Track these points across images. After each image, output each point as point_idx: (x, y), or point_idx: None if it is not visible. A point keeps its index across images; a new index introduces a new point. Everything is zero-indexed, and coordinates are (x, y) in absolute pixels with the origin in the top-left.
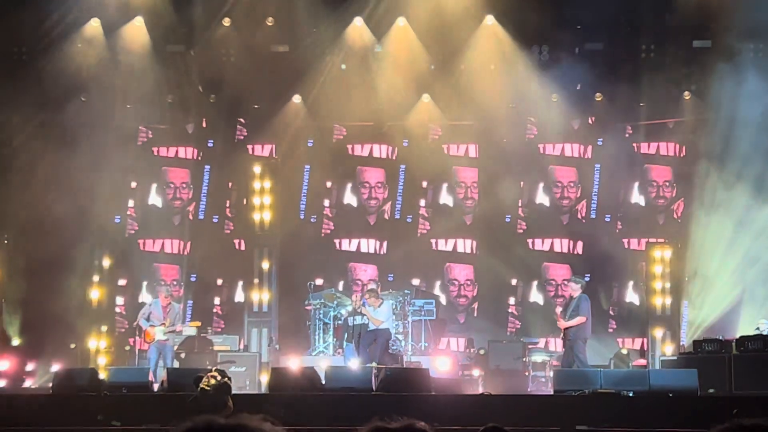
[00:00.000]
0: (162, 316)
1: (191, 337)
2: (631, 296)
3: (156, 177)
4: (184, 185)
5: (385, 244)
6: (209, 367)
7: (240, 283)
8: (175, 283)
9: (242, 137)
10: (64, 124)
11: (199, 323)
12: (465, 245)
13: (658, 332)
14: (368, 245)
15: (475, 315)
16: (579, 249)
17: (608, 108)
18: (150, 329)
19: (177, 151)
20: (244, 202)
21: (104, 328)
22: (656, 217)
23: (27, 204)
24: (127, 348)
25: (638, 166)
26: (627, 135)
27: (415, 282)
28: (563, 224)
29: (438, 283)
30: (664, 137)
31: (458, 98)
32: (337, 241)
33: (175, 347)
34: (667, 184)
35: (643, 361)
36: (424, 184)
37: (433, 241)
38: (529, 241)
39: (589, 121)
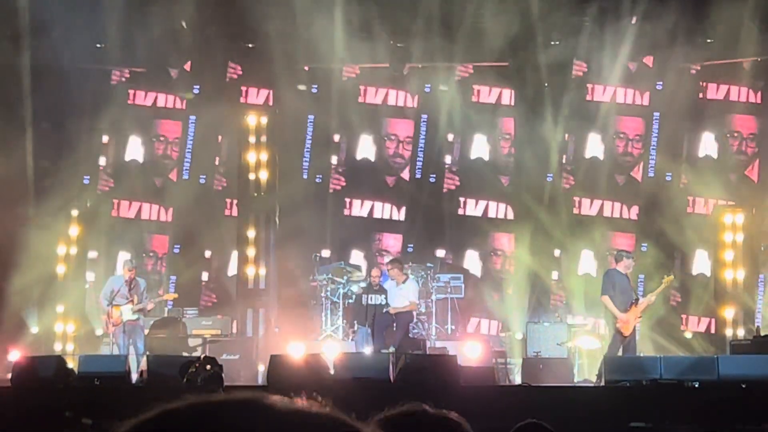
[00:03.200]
0: (127, 293)
1: (164, 318)
2: (697, 269)
3: (134, 129)
4: (177, 140)
5: (403, 208)
6: (197, 355)
7: (232, 255)
8: (165, 255)
9: (234, 82)
10: (21, 64)
11: (175, 295)
12: (498, 208)
13: (728, 311)
14: (382, 210)
15: (510, 292)
16: (633, 213)
17: (669, 46)
18: (115, 309)
19: (156, 98)
20: (237, 155)
21: (73, 308)
22: (728, 176)
23: None
24: (99, 332)
25: (708, 114)
26: (692, 77)
27: (440, 254)
28: (618, 184)
29: (467, 253)
30: (737, 80)
31: (488, 34)
32: (347, 205)
33: (146, 331)
34: (751, 136)
35: None
36: (450, 137)
37: (461, 203)
38: (576, 202)
39: (647, 62)
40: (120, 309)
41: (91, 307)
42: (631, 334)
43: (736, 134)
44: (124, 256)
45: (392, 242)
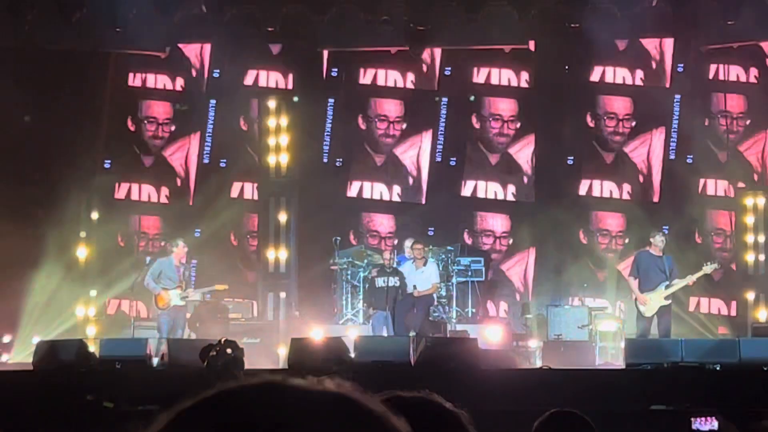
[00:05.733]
0: (176, 277)
1: (202, 303)
2: (718, 252)
3: (153, 113)
4: (168, 121)
5: (424, 192)
6: (217, 339)
7: (253, 239)
8: (157, 237)
9: (254, 65)
10: (39, 50)
11: (225, 286)
12: (518, 192)
13: (750, 294)
14: (394, 193)
15: (531, 275)
16: (654, 196)
17: (690, 27)
18: (163, 293)
19: (175, 82)
20: (257, 138)
21: (93, 292)
22: (747, 159)
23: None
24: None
25: (722, 96)
26: (712, 59)
27: (461, 237)
28: (630, 165)
29: (487, 237)
30: (758, 61)
31: (508, 16)
32: (367, 188)
33: (188, 315)
34: (742, 115)
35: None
36: (471, 120)
37: (482, 187)
38: (591, 186)
39: (666, 43)
40: (168, 293)
41: (117, 291)
42: (657, 314)
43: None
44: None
45: (414, 226)
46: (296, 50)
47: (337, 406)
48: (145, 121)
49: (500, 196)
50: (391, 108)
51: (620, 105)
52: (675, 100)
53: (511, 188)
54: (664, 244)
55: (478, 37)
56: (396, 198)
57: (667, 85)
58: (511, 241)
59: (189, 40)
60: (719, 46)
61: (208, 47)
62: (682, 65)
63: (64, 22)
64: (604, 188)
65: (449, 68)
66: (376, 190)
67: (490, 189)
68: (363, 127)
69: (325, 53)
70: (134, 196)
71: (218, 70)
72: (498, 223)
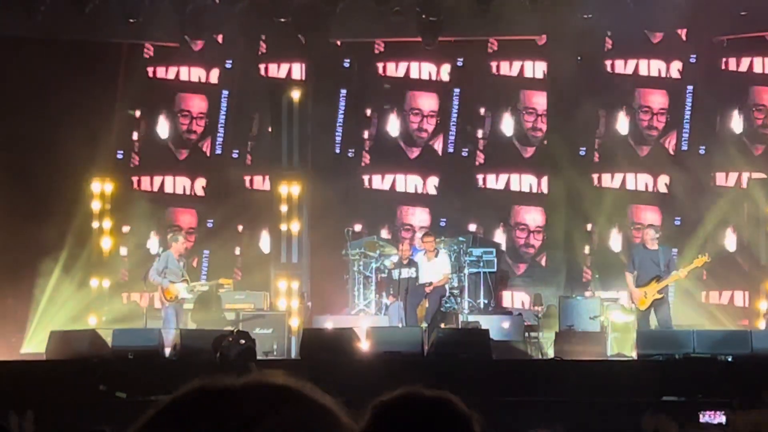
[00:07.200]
0: (180, 270)
1: (204, 294)
2: (729, 243)
3: (164, 104)
4: (201, 115)
5: (435, 183)
6: (230, 329)
7: (264, 230)
8: (192, 231)
9: (266, 57)
10: (54, 39)
11: (230, 281)
12: (532, 183)
13: (762, 285)
14: (408, 184)
15: (544, 266)
16: (663, 187)
17: (703, 17)
18: (171, 286)
19: (190, 73)
20: (269, 129)
21: (107, 283)
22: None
23: (13, 137)
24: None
25: (740, 87)
26: (726, 50)
27: (472, 228)
28: (643, 157)
29: (497, 230)
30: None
31: (521, 7)
32: (379, 179)
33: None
34: None
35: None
36: (482, 111)
37: (495, 178)
38: (606, 177)
39: (681, 33)
40: (175, 286)
41: (129, 281)
42: (653, 307)
43: (763, 107)
44: (155, 231)
45: (425, 217)
46: (308, 41)
47: (274, 399)
48: (179, 115)
49: (525, 188)
50: (425, 102)
51: (656, 99)
52: (688, 91)
53: (542, 179)
54: (657, 236)
55: (490, 28)
56: (419, 190)
57: (679, 76)
58: (543, 237)
59: (201, 31)
60: (733, 37)
61: (220, 37)
62: (694, 56)
63: (76, 12)
64: (638, 181)
65: (461, 59)
66: (390, 181)
67: (513, 181)
68: (398, 119)
69: (338, 44)
70: (145, 187)
71: (230, 61)
72: (530, 215)
